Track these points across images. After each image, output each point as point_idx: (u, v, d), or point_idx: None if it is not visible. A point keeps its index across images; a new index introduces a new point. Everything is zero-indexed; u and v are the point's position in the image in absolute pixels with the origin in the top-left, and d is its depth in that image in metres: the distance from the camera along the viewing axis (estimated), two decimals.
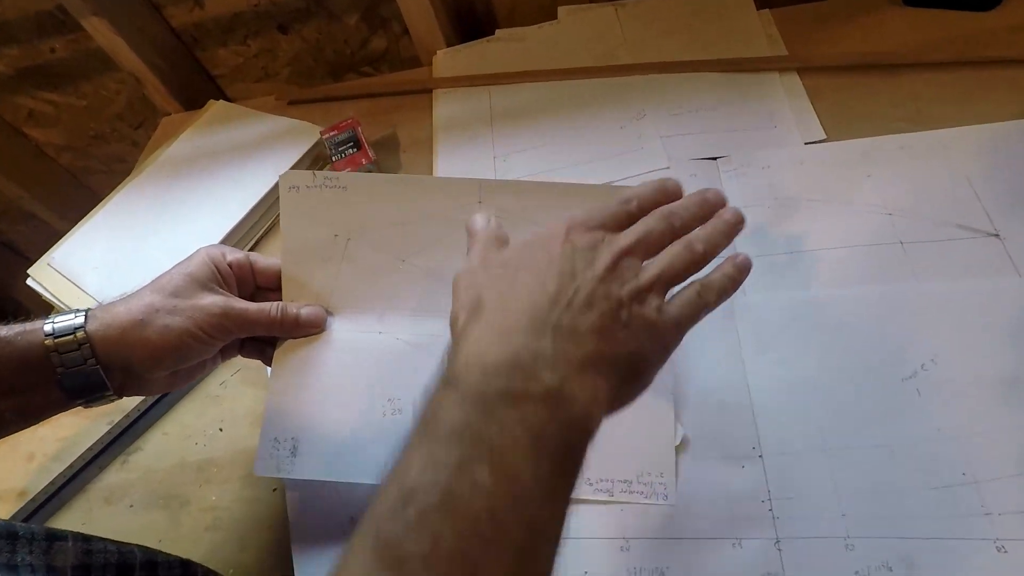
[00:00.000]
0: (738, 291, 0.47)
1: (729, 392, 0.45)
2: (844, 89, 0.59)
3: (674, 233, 0.33)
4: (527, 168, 0.62)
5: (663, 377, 0.43)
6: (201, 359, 0.42)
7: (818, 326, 0.46)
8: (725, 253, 0.35)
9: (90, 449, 0.54)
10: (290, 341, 0.44)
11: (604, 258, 0.31)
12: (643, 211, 0.34)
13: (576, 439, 0.27)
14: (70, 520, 0.52)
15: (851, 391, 0.43)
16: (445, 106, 0.71)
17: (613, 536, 0.42)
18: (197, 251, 0.43)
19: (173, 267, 0.42)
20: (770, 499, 0.41)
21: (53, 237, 0.69)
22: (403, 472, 0.24)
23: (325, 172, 0.46)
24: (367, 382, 0.43)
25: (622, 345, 0.30)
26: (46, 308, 0.64)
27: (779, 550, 0.39)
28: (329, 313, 0.45)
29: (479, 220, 0.37)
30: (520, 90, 0.69)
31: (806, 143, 0.56)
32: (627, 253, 0.32)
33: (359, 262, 0.45)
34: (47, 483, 0.53)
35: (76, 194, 1.02)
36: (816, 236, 0.50)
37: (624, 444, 0.43)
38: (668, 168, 0.57)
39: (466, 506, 0.22)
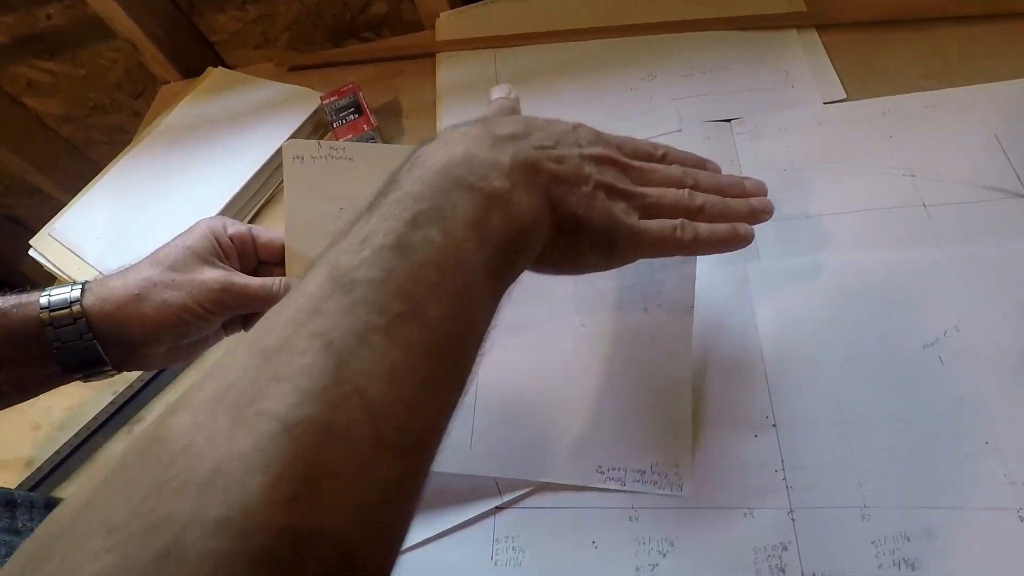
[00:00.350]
0: (752, 257, 0.47)
1: (742, 361, 0.44)
2: (865, 46, 0.56)
3: (683, 187, 0.34)
4: None
5: (682, 364, 0.42)
6: (202, 335, 0.41)
7: (835, 292, 0.44)
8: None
9: (95, 419, 0.54)
10: None
11: (596, 150, 0.32)
12: (668, 161, 0.35)
13: (515, 238, 0.28)
14: (75, 488, 0.52)
15: (870, 359, 0.42)
16: (448, 70, 0.69)
17: (621, 506, 0.41)
18: (197, 223, 0.42)
19: (173, 239, 0.41)
20: (783, 469, 0.40)
21: (58, 210, 0.68)
22: (363, 222, 0.25)
23: (331, 142, 0.44)
24: None
25: (572, 204, 0.31)
26: (49, 280, 0.64)
27: (792, 520, 0.38)
28: None
29: (497, 90, 0.38)
30: (526, 52, 0.67)
31: (825, 103, 0.53)
32: (622, 168, 0.33)
33: None
34: (53, 452, 0.53)
35: (79, 166, 1.01)
36: (835, 199, 0.48)
37: (637, 432, 0.42)
38: (680, 131, 0.55)
39: (416, 252, 0.24)
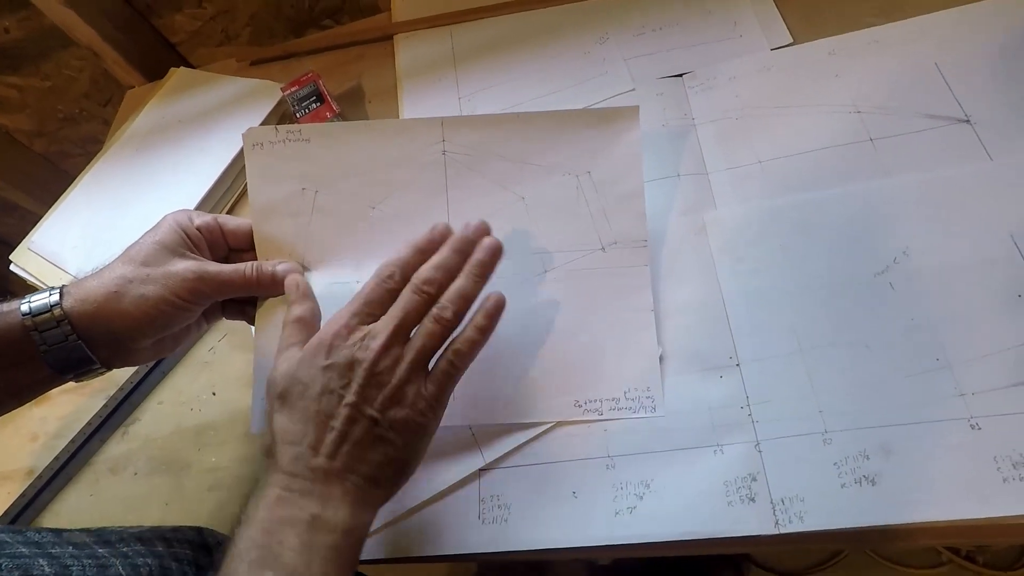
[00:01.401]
0: (708, 206, 0.48)
1: (704, 306, 0.45)
2: None
3: (431, 301, 0.37)
4: (493, 105, 0.61)
5: (642, 295, 0.44)
6: (183, 324, 0.42)
7: (789, 232, 0.46)
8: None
9: (89, 424, 0.55)
10: (271, 299, 0.44)
11: (359, 373, 0.35)
12: (405, 279, 0.37)
13: (344, 546, 0.34)
14: (78, 491, 0.54)
15: (825, 292, 0.43)
16: (407, 51, 0.69)
17: (598, 456, 0.42)
18: (164, 218, 0.43)
19: (142, 236, 0.42)
20: (749, 405, 0.41)
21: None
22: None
23: (287, 126, 0.45)
24: None
25: (379, 462, 0.35)
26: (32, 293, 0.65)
27: (759, 452, 0.40)
28: (305, 268, 0.45)
29: (294, 308, 0.40)
30: (482, 27, 0.67)
31: (772, 49, 0.54)
32: (385, 349, 0.35)
33: (329, 214, 0.45)
34: (52, 459, 0.54)
35: (55, 180, 1.01)
36: (784, 143, 0.49)
37: (609, 364, 0.44)
38: (634, 90, 0.56)
39: None
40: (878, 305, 0.41)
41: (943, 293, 0.41)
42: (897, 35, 0.51)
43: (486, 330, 0.38)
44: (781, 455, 0.39)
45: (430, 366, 0.37)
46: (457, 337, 0.38)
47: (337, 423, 0.34)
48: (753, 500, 0.39)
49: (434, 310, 0.37)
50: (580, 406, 0.44)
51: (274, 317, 0.44)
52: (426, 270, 0.37)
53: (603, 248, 0.45)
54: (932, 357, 0.39)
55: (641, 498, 0.41)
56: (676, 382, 0.43)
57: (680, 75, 0.56)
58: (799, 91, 0.51)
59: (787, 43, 0.54)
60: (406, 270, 0.38)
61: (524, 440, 0.44)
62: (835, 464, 0.38)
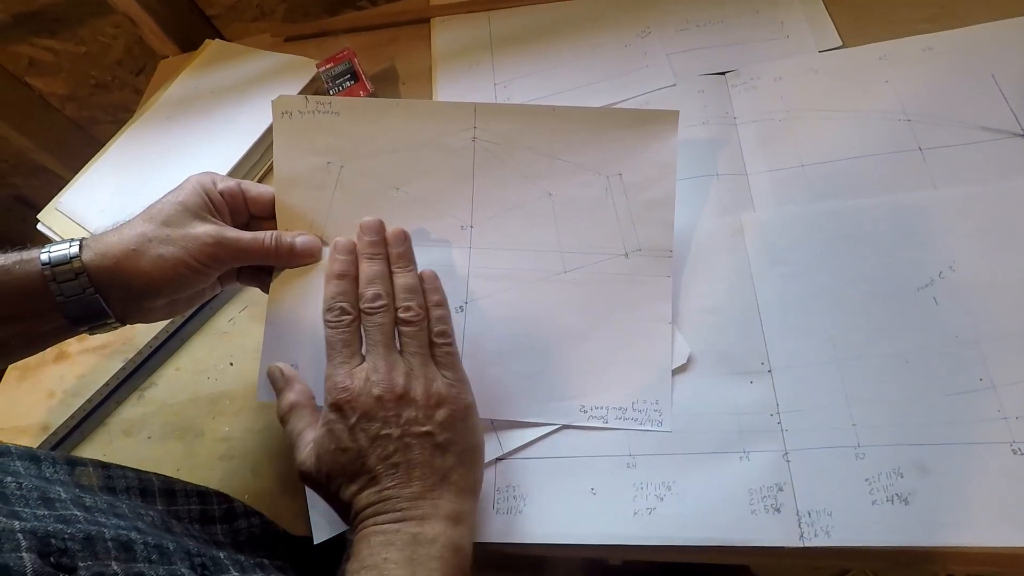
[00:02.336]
0: (746, 207, 0.47)
1: (737, 308, 0.44)
2: None
3: (390, 309, 0.38)
4: (529, 94, 0.60)
5: (661, 306, 0.44)
6: (199, 287, 0.42)
7: (830, 238, 0.44)
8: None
9: (106, 385, 0.55)
10: (286, 271, 0.44)
11: (388, 405, 0.36)
12: (356, 307, 0.38)
13: (449, 556, 0.34)
14: (92, 450, 0.54)
15: (864, 302, 0.42)
16: (444, 35, 0.68)
17: (619, 454, 0.42)
18: (188, 179, 0.42)
19: (164, 196, 0.41)
20: (779, 412, 0.40)
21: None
22: None
23: (318, 96, 0.45)
24: None
25: (451, 464, 0.36)
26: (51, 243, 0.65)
27: (787, 461, 0.39)
28: (324, 243, 0.44)
29: (285, 396, 0.40)
30: (520, 13, 0.66)
31: (820, 51, 0.53)
32: (390, 371, 0.36)
33: (352, 190, 0.44)
34: (67, 417, 0.54)
35: (84, 146, 1.02)
36: (829, 147, 0.48)
37: (619, 373, 0.43)
38: (675, 85, 0.55)
39: None
40: (920, 319, 0.40)
41: (989, 311, 0.39)
42: (952, 43, 0.50)
43: (444, 300, 0.40)
44: (810, 466, 0.38)
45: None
46: (431, 320, 0.39)
47: (398, 457, 0.35)
48: (778, 510, 0.38)
49: (400, 315, 0.38)
50: (586, 412, 0.43)
51: (287, 289, 0.43)
52: (368, 291, 0.39)
53: (626, 254, 0.44)
54: (975, 376, 0.38)
55: (661, 499, 0.40)
56: (703, 384, 0.42)
57: (723, 73, 0.55)
58: (847, 95, 0.49)
59: (836, 46, 0.53)
60: (348, 299, 0.39)
61: (544, 432, 0.43)
62: (867, 480, 0.37)
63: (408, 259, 0.40)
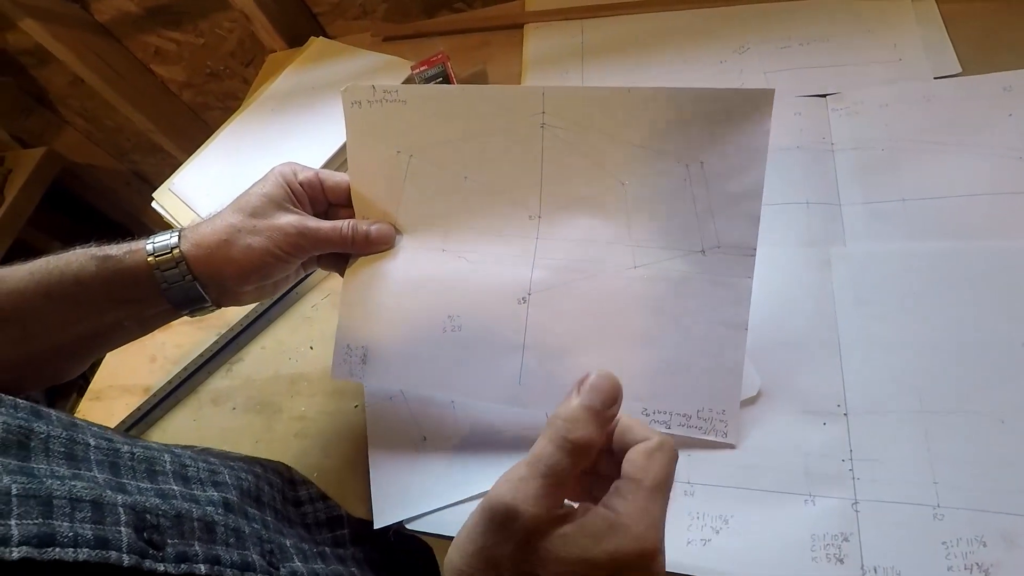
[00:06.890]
0: (836, 240, 0.45)
1: (816, 345, 0.42)
2: (988, 16, 0.51)
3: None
4: None
5: (738, 310, 0.40)
6: (284, 274, 0.44)
7: (927, 281, 0.42)
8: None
9: (200, 356, 0.60)
10: (362, 258, 0.45)
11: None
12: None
13: None
14: (183, 415, 0.58)
15: (958, 352, 0.39)
16: (536, 41, 0.69)
17: (678, 480, 0.41)
18: (271, 171, 0.44)
19: (251, 187, 0.44)
20: (851, 459, 0.38)
21: (175, 168, 0.75)
22: None
23: (385, 85, 0.44)
24: (429, 299, 0.43)
25: None
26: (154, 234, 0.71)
27: (856, 511, 0.37)
28: (397, 231, 0.45)
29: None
30: (614, 23, 0.66)
31: (936, 77, 0.49)
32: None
33: (422, 179, 0.44)
34: (165, 382, 0.59)
35: (195, 129, 1.10)
36: (936, 182, 0.45)
37: (687, 378, 0.40)
38: None
39: None
40: (1019, 377, 0.37)
41: None
42: None
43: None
44: (881, 520, 0.36)
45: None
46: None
47: None
48: (841, 561, 0.36)
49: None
50: (648, 415, 0.41)
51: (362, 274, 0.45)
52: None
53: (703, 251, 0.40)
54: None
55: (717, 532, 0.39)
56: (772, 420, 0.41)
57: (823, 95, 0.52)
58: (962, 127, 0.46)
59: (954, 72, 0.49)
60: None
61: None
62: (944, 543, 0.35)
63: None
